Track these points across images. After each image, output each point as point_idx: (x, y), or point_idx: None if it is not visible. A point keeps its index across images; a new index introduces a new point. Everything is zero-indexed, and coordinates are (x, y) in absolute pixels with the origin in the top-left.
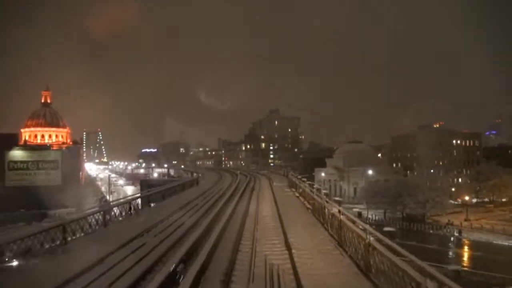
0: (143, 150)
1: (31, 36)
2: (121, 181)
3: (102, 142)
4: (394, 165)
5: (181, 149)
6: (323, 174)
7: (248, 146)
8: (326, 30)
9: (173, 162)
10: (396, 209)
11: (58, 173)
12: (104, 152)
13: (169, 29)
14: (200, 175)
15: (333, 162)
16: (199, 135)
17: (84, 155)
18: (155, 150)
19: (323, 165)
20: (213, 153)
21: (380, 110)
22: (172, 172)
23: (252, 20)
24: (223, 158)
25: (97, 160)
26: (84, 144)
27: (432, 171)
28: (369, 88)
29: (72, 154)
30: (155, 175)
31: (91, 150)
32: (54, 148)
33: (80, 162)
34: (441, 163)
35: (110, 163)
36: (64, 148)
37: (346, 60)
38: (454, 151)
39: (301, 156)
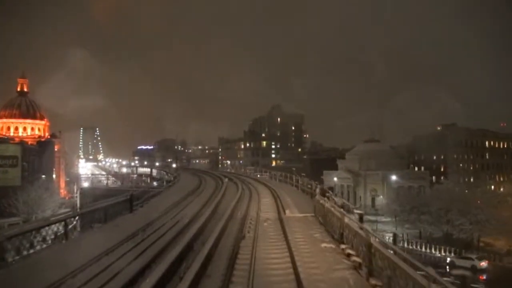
0: (138, 147)
1: (30, 29)
2: (108, 181)
3: (99, 139)
4: (416, 168)
5: (178, 146)
6: (335, 179)
7: (248, 144)
8: (330, 27)
9: (168, 160)
10: (440, 229)
11: (17, 171)
12: (101, 149)
13: (167, 22)
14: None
15: (346, 164)
16: (198, 133)
17: (80, 152)
18: (151, 147)
19: (332, 167)
20: (211, 151)
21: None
22: (155, 172)
23: (254, 12)
24: (220, 157)
25: (91, 157)
26: (81, 140)
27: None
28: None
29: (42, 149)
30: (135, 176)
31: (90, 146)
32: (15, 141)
33: (53, 160)
34: (471, 167)
35: (103, 160)
36: (29, 143)
37: (345, 58)
38: (487, 154)
39: (305, 157)
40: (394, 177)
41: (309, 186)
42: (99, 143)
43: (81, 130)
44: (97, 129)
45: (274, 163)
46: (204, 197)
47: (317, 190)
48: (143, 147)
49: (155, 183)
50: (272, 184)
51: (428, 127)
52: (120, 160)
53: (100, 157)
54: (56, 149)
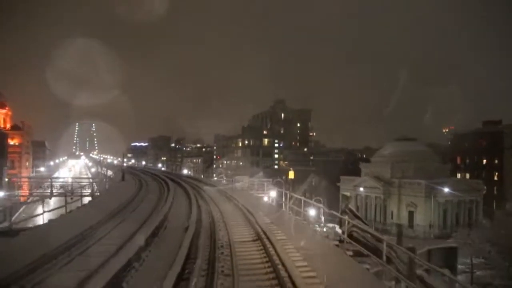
0: (132, 144)
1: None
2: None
3: (95, 135)
4: (458, 175)
5: (173, 144)
6: (361, 189)
7: (247, 142)
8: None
9: (163, 158)
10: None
11: None
12: (96, 145)
13: (172, 17)
14: None
15: (373, 169)
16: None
17: (75, 147)
18: (146, 144)
19: (350, 171)
20: (208, 149)
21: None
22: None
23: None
24: (215, 156)
25: (81, 153)
26: (76, 135)
27: None
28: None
29: None
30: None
31: (87, 142)
32: None
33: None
34: None
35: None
36: None
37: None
38: None
39: (312, 158)
40: (446, 189)
41: None
42: (95, 139)
43: (77, 126)
44: (93, 124)
45: (277, 164)
46: None
47: None
48: (137, 143)
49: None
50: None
51: (467, 124)
52: (113, 157)
53: (94, 153)
54: (17, 143)
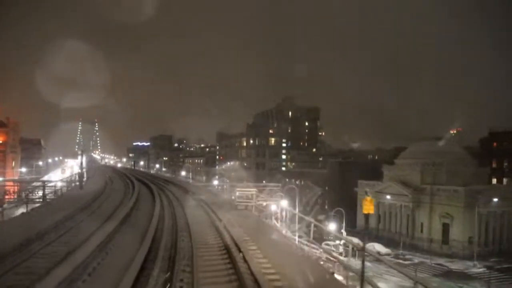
0: (134, 143)
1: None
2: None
3: (97, 134)
4: (494, 180)
5: (176, 144)
6: (388, 197)
7: (251, 141)
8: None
9: (164, 158)
10: None
11: None
12: (98, 145)
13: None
14: None
15: (398, 173)
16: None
17: (77, 146)
18: (148, 144)
19: (366, 175)
20: (211, 149)
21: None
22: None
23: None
24: (218, 157)
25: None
26: (78, 134)
27: None
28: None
29: None
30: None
31: (91, 142)
32: None
33: None
34: None
35: (101, 156)
36: None
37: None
38: None
39: (321, 158)
40: (495, 198)
41: None
42: (97, 139)
43: (80, 125)
44: (96, 124)
45: (284, 166)
46: None
47: None
48: (139, 143)
49: None
50: None
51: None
52: (114, 157)
53: (96, 153)
54: (1, 141)
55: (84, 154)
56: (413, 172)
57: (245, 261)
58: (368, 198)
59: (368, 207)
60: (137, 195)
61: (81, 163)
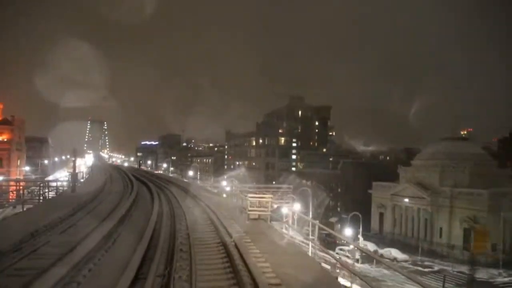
0: (142, 143)
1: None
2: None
3: (106, 133)
4: None
5: (184, 143)
6: (406, 200)
7: (261, 141)
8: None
9: (173, 157)
10: None
11: None
12: (107, 144)
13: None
14: None
15: (415, 175)
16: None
17: (86, 145)
18: (156, 143)
19: (378, 176)
20: (220, 149)
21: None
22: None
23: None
24: (227, 157)
25: (89, 152)
26: (87, 133)
27: None
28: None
29: None
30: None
31: (101, 140)
32: None
33: None
34: None
35: (109, 155)
36: None
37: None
38: None
39: (331, 159)
40: None
41: None
42: (106, 138)
43: (88, 124)
44: (105, 123)
45: (294, 166)
46: None
47: None
48: (147, 142)
49: None
50: None
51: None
52: (122, 156)
53: (105, 152)
54: (6, 139)
55: (92, 153)
56: (431, 174)
57: None
58: (481, 230)
59: (480, 243)
60: (135, 196)
61: (74, 164)
